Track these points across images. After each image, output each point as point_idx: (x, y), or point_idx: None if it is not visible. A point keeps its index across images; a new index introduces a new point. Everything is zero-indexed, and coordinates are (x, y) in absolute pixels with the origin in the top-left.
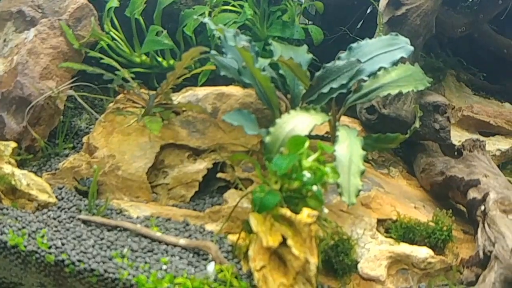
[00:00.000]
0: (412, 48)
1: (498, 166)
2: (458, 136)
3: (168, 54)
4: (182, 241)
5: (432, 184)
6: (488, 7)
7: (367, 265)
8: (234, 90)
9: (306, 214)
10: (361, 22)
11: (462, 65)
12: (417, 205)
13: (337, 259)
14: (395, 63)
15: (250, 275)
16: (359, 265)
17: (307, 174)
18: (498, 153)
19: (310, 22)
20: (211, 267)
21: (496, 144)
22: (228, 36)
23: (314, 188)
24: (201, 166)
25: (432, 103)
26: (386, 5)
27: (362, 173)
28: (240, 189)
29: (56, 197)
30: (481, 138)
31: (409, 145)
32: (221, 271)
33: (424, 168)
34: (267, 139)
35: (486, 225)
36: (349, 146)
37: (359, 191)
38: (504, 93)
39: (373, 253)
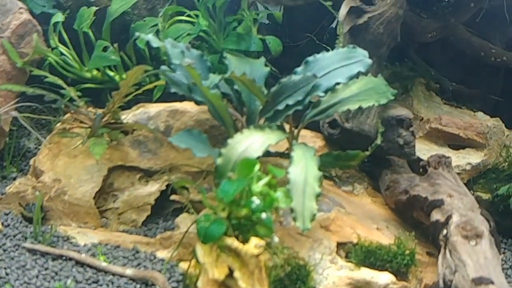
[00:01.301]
0: (370, 61)
1: (469, 181)
2: (426, 150)
3: (121, 68)
4: (129, 271)
5: (396, 202)
6: (460, 10)
7: None
8: (188, 106)
9: (253, 245)
10: (329, 29)
11: (433, 73)
12: (380, 225)
13: (294, 287)
14: (352, 78)
15: None
16: None
17: (256, 201)
18: (468, 167)
19: (278, 28)
20: None
21: (466, 158)
22: (172, 54)
23: (264, 215)
24: (153, 188)
25: (396, 117)
26: (347, 14)
27: (318, 196)
28: (193, 213)
29: (2, 223)
30: (450, 151)
31: (375, 160)
32: None
33: (388, 186)
34: (219, 161)
35: (447, 251)
36: (304, 168)
37: (314, 215)
38: (480, 98)
39: (332, 280)
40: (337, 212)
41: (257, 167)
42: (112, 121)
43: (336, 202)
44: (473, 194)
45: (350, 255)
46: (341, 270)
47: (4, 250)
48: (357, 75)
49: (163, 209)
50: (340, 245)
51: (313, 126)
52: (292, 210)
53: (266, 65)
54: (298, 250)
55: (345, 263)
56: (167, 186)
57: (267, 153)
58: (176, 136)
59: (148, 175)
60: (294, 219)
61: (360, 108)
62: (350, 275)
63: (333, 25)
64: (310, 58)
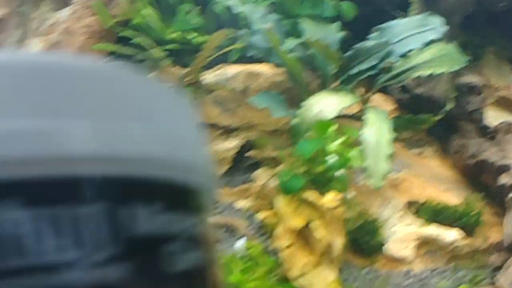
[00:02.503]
0: (444, 29)
1: None
2: (494, 117)
3: (202, 30)
4: (212, 218)
5: (464, 166)
6: None
7: (394, 246)
8: (264, 68)
9: (330, 198)
10: None
11: (505, 42)
12: (449, 187)
13: (364, 239)
14: (426, 45)
15: (277, 252)
16: (386, 246)
17: (331, 159)
18: None
19: None
20: (239, 244)
21: None
22: (253, 19)
23: (339, 172)
24: (232, 144)
25: (466, 84)
26: None
27: (390, 156)
28: (269, 168)
29: None
30: None
31: (444, 125)
32: (249, 248)
33: (456, 150)
34: (294, 121)
35: None
36: (377, 130)
37: (386, 175)
38: None
39: (400, 235)
40: (406, 173)
41: (333, 127)
42: (194, 81)
43: (405, 164)
44: None
45: (418, 214)
46: (409, 226)
47: None
48: (431, 42)
49: (241, 163)
50: (408, 204)
51: (384, 90)
52: (365, 169)
53: (341, 30)
54: (368, 207)
55: (413, 220)
56: (247, 141)
57: (339, 115)
58: (255, 97)
59: (228, 131)
60: (367, 177)
61: (431, 74)
62: (418, 231)
63: None
64: (384, 25)
